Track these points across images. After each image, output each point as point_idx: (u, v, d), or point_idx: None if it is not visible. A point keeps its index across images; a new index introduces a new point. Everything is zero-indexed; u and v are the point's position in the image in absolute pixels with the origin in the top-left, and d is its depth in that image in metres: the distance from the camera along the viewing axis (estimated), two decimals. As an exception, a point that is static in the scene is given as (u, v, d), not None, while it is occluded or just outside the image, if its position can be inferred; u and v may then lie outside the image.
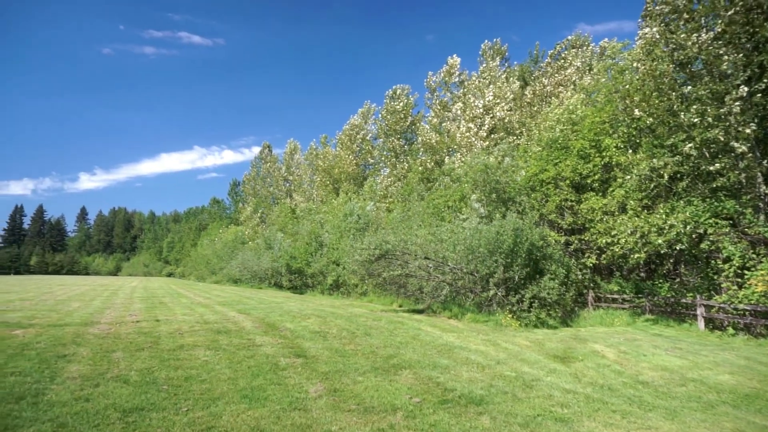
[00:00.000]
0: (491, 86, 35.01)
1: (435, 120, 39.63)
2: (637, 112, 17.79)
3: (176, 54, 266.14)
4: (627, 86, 18.55)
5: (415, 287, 20.81)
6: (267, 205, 69.47)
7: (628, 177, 18.44)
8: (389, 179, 41.19)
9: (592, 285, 21.28)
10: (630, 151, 19.48)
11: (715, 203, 15.58)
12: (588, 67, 34.51)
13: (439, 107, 39.99)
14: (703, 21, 15.80)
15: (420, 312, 19.87)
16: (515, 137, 32.75)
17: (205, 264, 77.64)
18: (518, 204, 22.82)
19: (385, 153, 45.63)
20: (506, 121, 33.76)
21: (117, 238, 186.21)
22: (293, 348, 10.75)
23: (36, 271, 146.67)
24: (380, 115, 46.86)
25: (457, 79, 40.15)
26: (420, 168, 36.78)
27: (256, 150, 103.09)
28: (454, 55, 40.28)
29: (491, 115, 33.86)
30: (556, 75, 35.35)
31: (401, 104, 44.67)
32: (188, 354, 9.62)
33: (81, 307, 18.96)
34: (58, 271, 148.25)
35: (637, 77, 17.96)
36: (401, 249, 20.27)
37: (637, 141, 19.51)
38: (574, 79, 34.19)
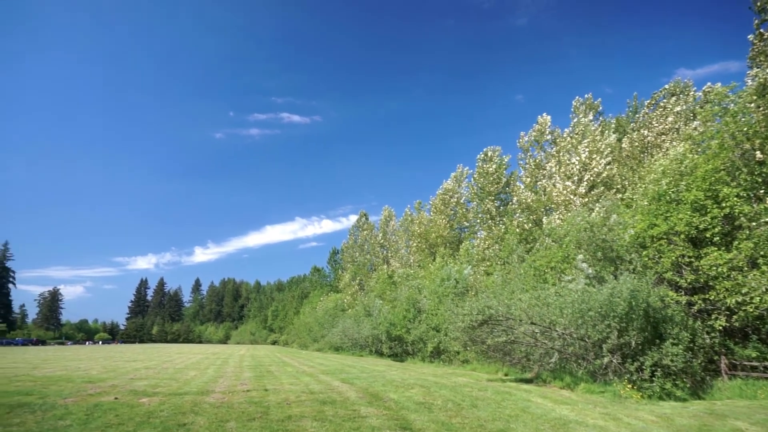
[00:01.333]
0: (585, 141, 34.10)
1: (529, 179, 39.01)
2: (759, 155, 16.30)
3: (278, 133, 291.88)
4: (744, 129, 17.19)
5: (521, 354, 19.84)
6: (365, 272, 70.99)
7: (756, 228, 16.65)
8: (486, 242, 40.59)
9: (724, 350, 18.86)
10: (755, 199, 17.71)
11: None
12: (691, 114, 32.54)
13: (532, 166, 39.45)
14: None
15: (528, 381, 18.78)
16: (617, 192, 31.17)
17: (308, 332, 79.86)
18: (628, 262, 21.33)
19: (480, 215, 45.35)
20: (605, 175, 32.38)
21: (226, 308, 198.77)
22: (398, 420, 10.62)
23: (157, 340, 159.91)
24: (473, 178, 47.12)
25: (549, 137, 39.63)
26: (517, 229, 35.97)
27: (354, 218, 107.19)
28: (544, 114, 40.08)
29: (589, 171, 32.72)
30: (656, 124, 33.66)
31: (493, 166, 44.69)
32: (296, 425, 9.86)
33: (197, 376, 20.29)
34: (175, 340, 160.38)
35: (754, 120, 16.64)
36: (504, 314, 19.60)
37: (763, 188, 17.74)
38: (677, 126, 32.31)
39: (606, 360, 16.75)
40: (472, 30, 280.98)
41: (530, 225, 35.76)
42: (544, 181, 36.99)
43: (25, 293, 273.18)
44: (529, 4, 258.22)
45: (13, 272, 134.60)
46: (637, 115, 37.03)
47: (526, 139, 40.97)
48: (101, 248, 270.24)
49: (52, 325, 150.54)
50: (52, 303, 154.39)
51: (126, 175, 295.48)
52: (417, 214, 58.12)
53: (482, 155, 46.04)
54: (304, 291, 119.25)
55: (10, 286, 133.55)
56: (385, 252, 70.23)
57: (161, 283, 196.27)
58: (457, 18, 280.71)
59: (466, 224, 50.55)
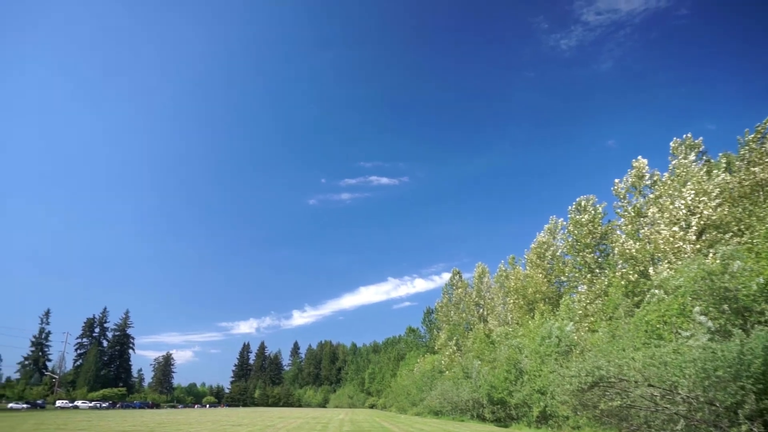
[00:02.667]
0: (690, 183, 31.84)
1: (630, 227, 36.81)
2: None
3: (368, 196, 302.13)
4: None
5: (640, 420, 18.10)
6: (461, 332, 69.20)
7: None
8: (587, 296, 38.31)
9: None
10: None
11: None
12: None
13: (632, 213, 37.30)
14: None
15: (652, 452, 16.98)
16: (734, 235, 28.42)
17: (405, 395, 78.27)
18: (759, 314, 19.10)
19: (577, 268, 43.14)
20: (716, 218, 29.79)
21: (324, 370, 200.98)
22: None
23: (259, 403, 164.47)
24: (567, 230, 45.35)
25: (648, 181, 37.50)
26: (622, 281, 33.69)
27: (446, 276, 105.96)
28: (639, 157, 38.16)
29: (696, 215, 30.32)
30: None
31: (588, 216, 42.82)
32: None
33: (304, 441, 20.64)
34: (276, 403, 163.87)
35: None
36: (617, 375, 18.18)
37: None
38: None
39: (744, 429, 14.83)
40: (555, 79, 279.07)
41: (636, 276, 33.38)
42: (646, 228, 34.73)
43: (142, 358, 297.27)
44: (613, 48, 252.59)
45: (133, 339, 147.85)
46: (742, 152, 34.06)
47: (622, 185, 39.08)
48: (208, 314, 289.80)
49: (165, 388, 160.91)
50: (165, 367, 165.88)
51: (228, 244, 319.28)
52: (512, 270, 56.47)
53: (575, 206, 44.38)
54: (400, 352, 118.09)
55: (130, 351, 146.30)
56: (480, 310, 68.32)
57: (262, 347, 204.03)
58: (538, 69, 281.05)
59: (564, 278, 48.17)
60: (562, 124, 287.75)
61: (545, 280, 48.16)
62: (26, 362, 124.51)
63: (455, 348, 66.56)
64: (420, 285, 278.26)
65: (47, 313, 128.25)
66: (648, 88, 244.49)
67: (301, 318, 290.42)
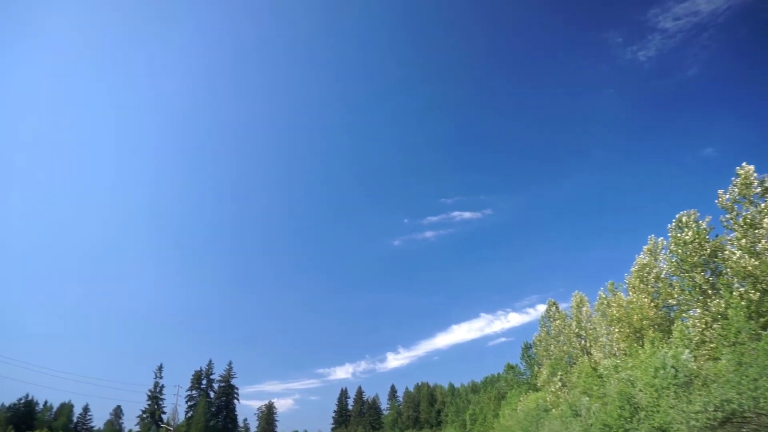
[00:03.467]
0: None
1: (743, 241, 33.59)
2: None
3: (452, 232, 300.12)
4: None
5: (783, 460, 16.06)
6: (564, 366, 65.35)
7: None
8: (702, 320, 35.02)
9: None
10: None
11: None
12: None
13: (744, 226, 34.10)
14: None
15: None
16: None
17: (511, 436, 74.50)
18: None
19: (687, 290, 39.67)
20: None
21: (423, 413, 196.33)
22: None
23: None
24: (669, 250, 42.12)
25: (758, 189, 34.29)
26: (742, 302, 30.56)
27: (541, 308, 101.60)
28: (744, 164, 35.11)
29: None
30: None
31: (691, 232, 39.58)
32: None
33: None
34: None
35: None
36: (753, 409, 16.40)
37: None
38: None
39: None
40: (636, 93, 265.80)
41: (758, 295, 30.16)
42: (764, 241, 31.54)
43: (247, 408, 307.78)
44: (698, 51, 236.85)
45: (237, 389, 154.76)
46: None
47: (728, 196, 36.02)
48: (305, 361, 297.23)
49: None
50: (268, 416, 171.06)
51: (318, 290, 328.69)
52: (612, 297, 53.03)
53: (675, 223, 41.22)
54: (501, 391, 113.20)
55: (235, 402, 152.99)
56: (582, 341, 64.33)
57: (359, 392, 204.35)
58: (617, 86, 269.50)
59: (674, 302, 44.39)
60: (650, 138, 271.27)
61: (651, 305, 44.66)
62: (144, 415, 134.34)
63: (560, 384, 62.80)
64: (514, 319, 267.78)
65: (160, 368, 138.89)
66: (742, 89, 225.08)
67: (395, 360, 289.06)
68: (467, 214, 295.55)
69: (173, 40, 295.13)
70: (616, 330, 49.40)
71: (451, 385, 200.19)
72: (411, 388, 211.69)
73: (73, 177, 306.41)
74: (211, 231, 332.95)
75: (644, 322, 44.24)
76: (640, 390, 33.56)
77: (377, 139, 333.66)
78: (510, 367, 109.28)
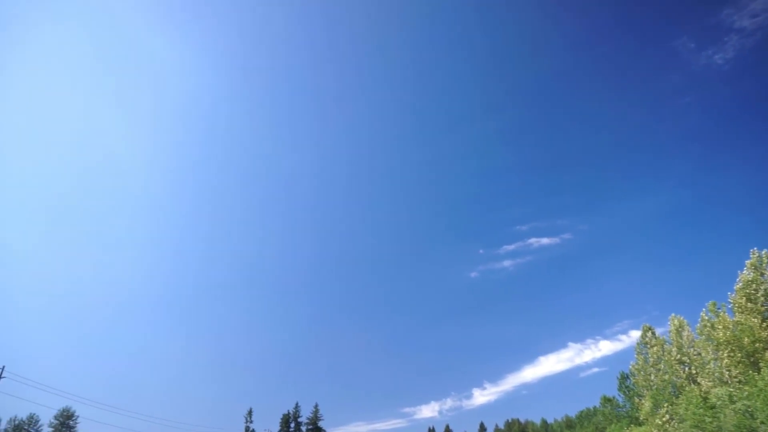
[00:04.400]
0: None
1: None
2: None
3: (530, 260, 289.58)
4: None
5: None
6: (668, 397, 60.05)
7: None
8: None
9: None
10: None
11: None
12: None
13: None
14: None
15: None
16: None
17: (616, 476, 68.72)
18: None
19: (806, 306, 35.67)
20: None
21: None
22: None
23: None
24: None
25: None
26: None
27: (635, 335, 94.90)
28: None
29: None
30: None
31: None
32: None
33: None
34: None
35: None
36: None
37: None
38: None
39: None
40: (715, 97, 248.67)
41: None
42: None
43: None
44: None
45: (324, 431, 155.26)
46: None
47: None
48: (389, 401, 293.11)
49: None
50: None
51: (398, 328, 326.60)
52: (716, 318, 48.63)
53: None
54: (599, 426, 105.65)
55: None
56: (687, 368, 59.00)
57: (447, 430, 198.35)
58: (694, 92, 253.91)
59: (791, 320, 39.97)
60: (737, 144, 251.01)
61: (764, 325, 40.45)
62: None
63: (667, 417, 57.60)
64: (606, 347, 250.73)
65: (250, 412, 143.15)
66: None
67: (482, 396, 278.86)
68: (545, 240, 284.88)
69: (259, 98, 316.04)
70: (725, 355, 45.00)
71: (544, 421, 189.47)
72: (501, 425, 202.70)
73: (162, 231, 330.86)
74: (294, 274, 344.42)
75: (757, 345, 40.05)
76: (762, 422, 30.14)
77: (450, 170, 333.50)
78: (607, 400, 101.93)
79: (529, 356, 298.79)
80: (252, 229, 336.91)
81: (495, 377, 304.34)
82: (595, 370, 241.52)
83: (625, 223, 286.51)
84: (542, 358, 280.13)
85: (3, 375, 54.66)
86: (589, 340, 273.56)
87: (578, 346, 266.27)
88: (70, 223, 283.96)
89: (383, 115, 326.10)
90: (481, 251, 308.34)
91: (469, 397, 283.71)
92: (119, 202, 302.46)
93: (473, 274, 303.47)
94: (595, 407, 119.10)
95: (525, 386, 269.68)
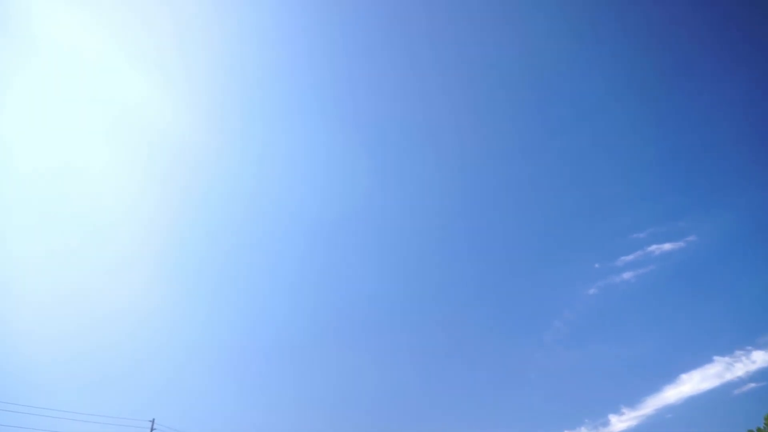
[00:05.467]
0: None
1: None
2: None
3: (653, 269, 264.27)
4: None
5: None
6: None
7: None
8: None
9: None
10: None
11: None
12: None
13: None
14: None
15: None
16: None
17: None
18: None
19: None
20: None
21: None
22: None
23: None
24: None
25: None
26: None
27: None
28: None
29: None
30: None
31: None
32: None
33: None
34: None
35: None
36: None
37: None
38: None
39: None
40: None
41: None
42: None
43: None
44: None
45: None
46: None
47: None
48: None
49: None
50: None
51: (520, 353, 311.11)
52: None
53: None
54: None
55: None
56: None
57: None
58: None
59: None
60: None
61: None
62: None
63: None
64: (759, 358, 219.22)
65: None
66: None
67: (620, 422, 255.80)
68: (667, 246, 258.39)
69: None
70: None
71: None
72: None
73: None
74: (390, 309, 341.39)
75: None
76: None
77: (551, 182, 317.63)
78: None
79: (669, 375, 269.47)
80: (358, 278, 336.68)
81: (632, 401, 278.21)
82: (752, 385, 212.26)
83: (755, 216, 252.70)
84: (684, 376, 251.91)
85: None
86: (738, 352, 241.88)
87: (726, 359, 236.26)
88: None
89: (482, 133, 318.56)
90: (596, 265, 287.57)
91: (606, 424, 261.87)
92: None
93: (591, 291, 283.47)
94: (759, 428, 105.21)
95: (669, 409, 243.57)
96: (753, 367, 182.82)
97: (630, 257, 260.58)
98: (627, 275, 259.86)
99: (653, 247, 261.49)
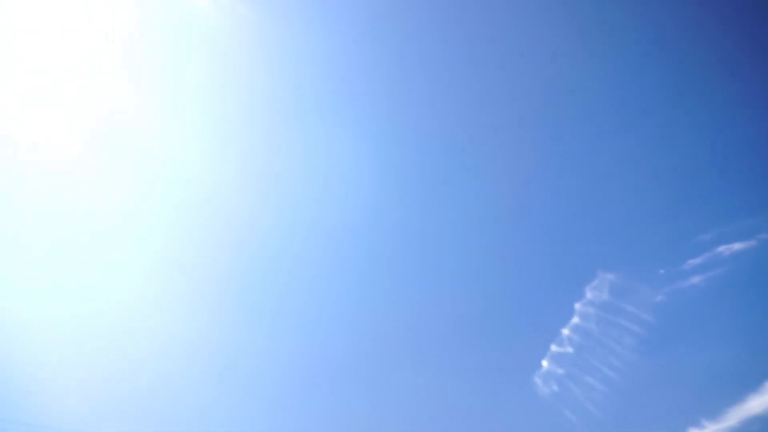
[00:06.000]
0: None
1: None
2: None
3: (725, 270, 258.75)
4: None
5: None
6: None
7: None
8: None
9: None
10: None
11: None
12: None
13: None
14: None
15: None
16: None
17: None
18: None
19: None
20: None
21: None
22: None
23: None
24: None
25: None
26: None
27: None
28: None
29: None
30: None
31: None
32: None
33: None
34: None
35: None
36: None
37: None
38: None
39: None
40: None
41: None
42: None
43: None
44: None
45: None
46: None
47: None
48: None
49: None
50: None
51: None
52: None
53: None
54: None
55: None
56: None
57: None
58: None
59: None
60: None
61: None
62: None
63: None
64: None
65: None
66: None
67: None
68: (737, 246, 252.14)
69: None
70: None
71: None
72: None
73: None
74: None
75: None
76: None
77: (605, 187, 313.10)
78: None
79: (752, 383, 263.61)
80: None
81: (712, 413, 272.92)
82: None
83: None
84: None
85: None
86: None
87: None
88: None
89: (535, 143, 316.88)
90: (661, 272, 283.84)
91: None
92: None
93: (658, 298, 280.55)
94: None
95: (756, 420, 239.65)
96: None
97: (698, 260, 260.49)
98: (696, 279, 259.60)
99: (722, 248, 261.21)
